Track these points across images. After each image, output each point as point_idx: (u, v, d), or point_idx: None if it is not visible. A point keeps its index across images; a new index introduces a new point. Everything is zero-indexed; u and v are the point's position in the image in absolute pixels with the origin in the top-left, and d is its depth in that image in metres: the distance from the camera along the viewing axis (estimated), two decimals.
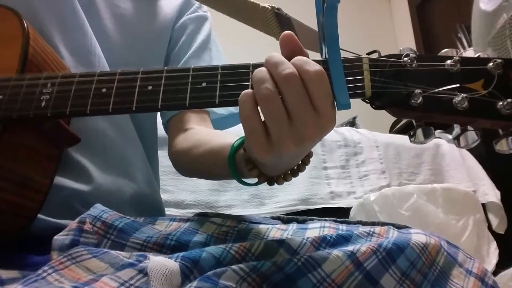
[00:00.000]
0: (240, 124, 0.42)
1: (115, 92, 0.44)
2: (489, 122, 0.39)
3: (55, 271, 0.38)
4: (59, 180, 0.53)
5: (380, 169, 1.47)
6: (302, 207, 1.27)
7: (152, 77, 0.45)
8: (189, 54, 0.74)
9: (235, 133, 0.59)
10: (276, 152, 0.40)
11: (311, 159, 0.49)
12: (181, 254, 0.41)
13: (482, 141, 0.40)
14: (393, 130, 2.33)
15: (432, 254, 0.44)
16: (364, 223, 0.54)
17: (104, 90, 0.45)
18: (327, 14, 0.40)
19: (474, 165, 1.63)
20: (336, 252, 0.41)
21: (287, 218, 0.57)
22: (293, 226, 0.50)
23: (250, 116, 0.40)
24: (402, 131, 2.14)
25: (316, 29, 0.45)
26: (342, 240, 0.45)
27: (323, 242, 0.44)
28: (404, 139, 1.60)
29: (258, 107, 0.40)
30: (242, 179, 0.53)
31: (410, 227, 0.50)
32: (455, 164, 1.59)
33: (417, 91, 0.39)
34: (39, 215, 0.51)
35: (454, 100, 0.39)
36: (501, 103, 0.38)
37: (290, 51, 0.42)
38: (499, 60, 0.39)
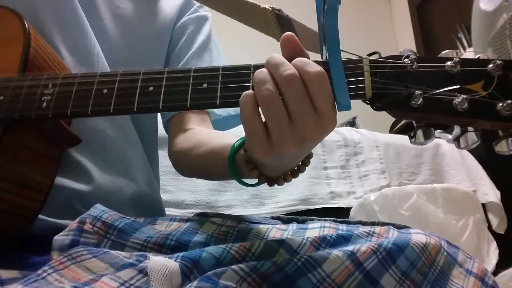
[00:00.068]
0: (240, 125, 0.42)
1: (116, 93, 0.44)
2: (489, 123, 0.39)
3: (55, 271, 0.38)
4: (60, 180, 0.54)
5: (380, 169, 1.47)
6: (302, 207, 1.27)
7: (153, 78, 0.45)
8: (189, 54, 0.74)
9: (235, 134, 0.60)
10: (276, 152, 0.40)
11: (311, 159, 0.50)
12: (181, 254, 0.41)
13: (482, 141, 0.40)
14: (393, 130, 2.32)
15: (432, 254, 0.44)
16: (364, 223, 0.54)
17: (105, 91, 0.45)
18: (328, 15, 0.40)
19: (474, 165, 1.63)
20: (336, 252, 0.41)
21: (287, 218, 0.57)
22: (293, 226, 0.51)
23: (251, 117, 0.40)
24: (402, 131, 2.13)
25: (317, 30, 0.45)
26: (342, 240, 0.45)
27: (323, 242, 0.44)
28: (404, 139, 1.60)
29: (259, 108, 0.40)
30: (242, 179, 0.53)
31: (410, 227, 0.50)
32: (455, 164, 1.59)
33: (418, 92, 0.39)
34: (39, 215, 0.51)
35: (454, 101, 0.39)
36: (501, 104, 0.38)
37: (291, 52, 0.42)
38: (499, 62, 0.39)
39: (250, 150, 0.45)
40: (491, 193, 1.54)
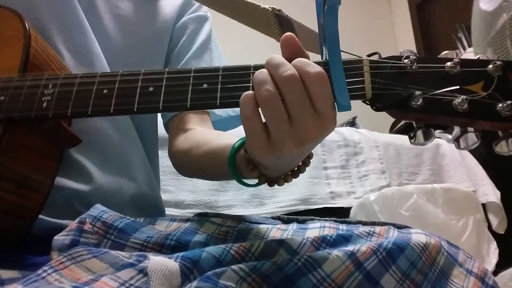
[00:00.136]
0: (241, 125, 0.42)
1: (117, 93, 0.44)
2: (489, 124, 0.39)
3: (55, 271, 0.38)
4: (60, 180, 0.54)
5: (380, 169, 1.47)
6: (302, 207, 1.27)
7: (153, 78, 0.45)
8: (189, 54, 0.74)
9: (235, 134, 0.60)
10: (276, 153, 0.40)
11: (311, 160, 0.50)
12: (181, 254, 0.41)
13: (482, 141, 0.40)
14: (393, 130, 2.33)
15: (432, 254, 0.44)
16: (364, 223, 0.54)
17: (105, 91, 0.45)
18: (328, 16, 0.40)
19: (474, 165, 1.63)
20: (336, 252, 0.41)
21: (287, 218, 0.57)
22: (293, 226, 0.51)
23: (251, 117, 0.40)
24: (402, 131, 2.14)
25: (317, 31, 0.45)
26: (342, 240, 0.45)
27: (323, 242, 0.44)
28: (404, 139, 1.60)
29: (259, 108, 0.40)
30: (243, 180, 0.53)
31: (410, 227, 0.50)
32: (455, 164, 1.59)
33: (417, 92, 0.39)
34: (40, 215, 0.51)
35: (454, 101, 0.39)
36: (501, 105, 0.38)
37: (291, 53, 0.42)
38: (499, 62, 0.39)
39: (250, 150, 0.45)
40: (491, 193, 1.54)
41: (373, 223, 0.54)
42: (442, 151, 1.61)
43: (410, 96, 0.40)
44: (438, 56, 0.42)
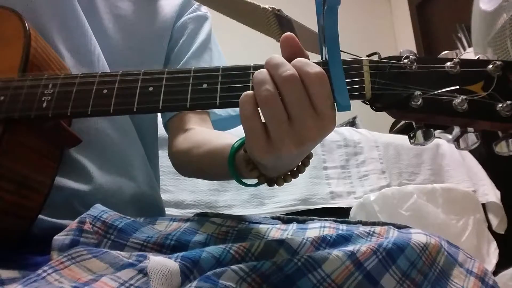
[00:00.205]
0: (240, 125, 0.42)
1: (116, 93, 0.44)
2: (489, 124, 0.39)
3: (55, 271, 0.38)
4: (59, 180, 0.54)
5: (380, 169, 1.47)
6: (302, 207, 1.27)
7: (153, 78, 0.45)
8: (189, 54, 0.74)
9: (235, 134, 0.60)
10: (276, 153, 0.40)
11: (311, 159, 0.50)
12: (181, 254, 0.41)
13: (482, 141, 0.40)
14: (393, 130, 2.33)
15: (432, 254, 0.44)
16: (364, 223, 0.54)
17: (105, 91, 0.45)
18: (328, 16, 0.40)
19: (474, 165, 1.63)
20: (336, 252, 0.41)
21: (287, 218, 0.57)
22: (293, 226, 0.51)
23: (251, 117, 0.40)
24: (402, 131, 2.14)
25: (317, 31, 0.45)
26: (342, 240, 0.45)
27: (323, 242, 0.44)
28: (404, 139, 1.60)
29: (259, 109, 0.40)
30: (242, 179, 0.53)
31: (410, 227, 0.50)
32: (455, 164, 1.59)
33: (417, 92, 0.39)
34: (39, 215, 0.51)
35: (454, 102, 0.39)
36: (500, 105, 0.38)
37: (290, 53, 0.42)
38: (498, 62, 0.39)
39: (250, 150, 0.45)
40: (491, 193, 1.54)
41: (373, 223, 0.54)
42: (442, 151, 1.61)
43: (410, 96, 0.40)
44: (438, 56, 0.42)
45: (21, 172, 0.47)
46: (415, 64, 0.41)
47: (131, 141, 0.66)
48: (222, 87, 0.43)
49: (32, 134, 0.48)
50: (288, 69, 0.39)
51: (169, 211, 1.05)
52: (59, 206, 0.53)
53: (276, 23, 0.58)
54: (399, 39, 3.41)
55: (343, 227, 0.50)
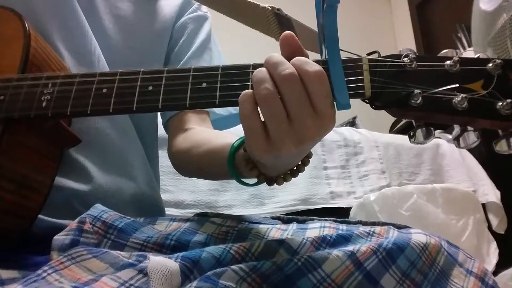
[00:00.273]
0: (240, 124, 0.42)
1: (116, 93, 0.44)
2: (489, 122, 0.39)
3: (55, 271, 0.38)
4: (59, 180, 0.54)
5: (380, 169, 1.47)
6: (302, 207, 1.27)
7: (152, 78, 0.45)
8: (189, 54, 0.74)
9: (234, 134, 0.60)
10: (275, 152, 0.40)
11: (311, 159, 0.49)
12: (181, 254, 0.41)
13: (482, 141, 0.40)
14: (393, 130, 2.33)
15: (432, 254, 0.44)
16: (364, 223, 0.54)
17: (104, 90, 0.45)
18: (327, 14, 0.40)
19: (474, 165, 1.63)
20: (336, 252, 0.41)
21: (287, 218, 0.57)
22: (293, 226, 0.51)
23: (250, 116, 0.40)
24: (402, 131, 2.14)
25: (316, 30, 0.45)
26: (342, 240, 0.45)
27: (323, 242, 0.44)
28: (404, 139, 1.60)
29: (258, 107, 0.40)
30: (242, 179, 0.53)
31: (410, 227, 0.50)
32: (455, 164, 1.59)
33: (417, 91, 0.39)
34: (39, 215, 0.51)
35: (453, 100, 0.39)
36: (500, 103, 0.38)
37: (290, 52, 0.42)
38: (498, 61, 0.39)
39: (249, 149, 0.45)
40: (491, 193, 1.54)
41: (373, 223, 0.54)
42: (442, 151, 1.61)
43: (409, 95, 0.40)
44: (438, 55, 0.42)
45: (21, 171, 0.47)
46: (414, 62, 0.41)
47: (131, 141, 0.66)
48: (222, 86, 0.43)
49: (32, 133, 0.48)
50: (288, 67, 0.39)
51: (169, 211, 1.05)
52: (59, 206, 0.53)
53: (276, 22, 0.58)
54: (399, 39, 3.41)
55: (343, 227, 0.50)
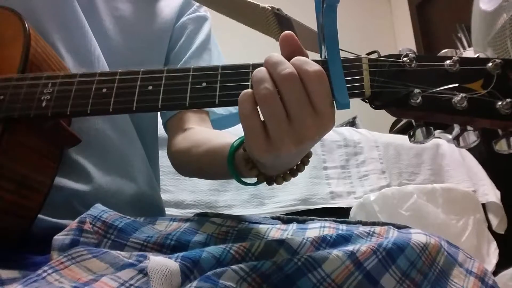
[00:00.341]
0: (239, 124, 0.42)
1: (116, 92, 0.44)
2: (489, 122, 0.39)
3: (55, 271, 0.38)
4: (59, 180, 0.54)
5: (380, 169, 1.47)
6: (302, 207, 1.27)
7: (152, 77, 0.45)
8: (188, 54, 0.74)
9: (234, 134, 0.60)
10: (275, 151, 0.40)
11: (311, 159, 0.50)
12: (181, 254, 0.41)
13: (482, 140, 0.40)
14: (393, 130, 2.33)
15: (432, 254, 0.44)
16: (364, 223, 0.54)
17: (104, 90, 0.45)
18: (327, 14, 0.40)
19: (474, 165, 1.63)
20: (336, 252, 0.41)
21: (287, 218, 0.57)
22: (293, 226, 0.51)
23: (250, 116, 0.40)
24: (402, 131, 2.14)
25: (316, 30, 0.45)
26: (342, 240, 0.45)
27: (323, 242, 0.44)
28: (404, 139, 1.60)
29: (258, 107, 0.40)
30: (242, 178, 0.53)
31: (410, 227, 0.50)
32: (455, 164, 1.59)
33: (417, 90, 0.39)
34: (39, 215, 0.51)
35: (453, 99, 0.39)
36: (500, 103, 0.38)
37: (290, 51, 0.42)
38: (498, 61, 0.39)
39: (249, 149, 0.45)
40: (491, 193, 1.53)
41: (373, 223, 0.54)
42: (442, 151, 1.61)
43: (409, 94, 0.40)
44: (437, 55, 0.42)
45: (21, 171, 0.47)
46: (414, 62, 0.41)
47: (131, 142, 0.66)
48: (222, 86, 0.43)
49: (32, 133, 0.48)
50: (287, 67, 0.39)
51: (169, 211, 1.05)
52: (59, 206, 0.53)
53: (276, 22, 0.58)
54: (399, 39, 3.41)
55: (343, 227, 0.50)
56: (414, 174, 1.53)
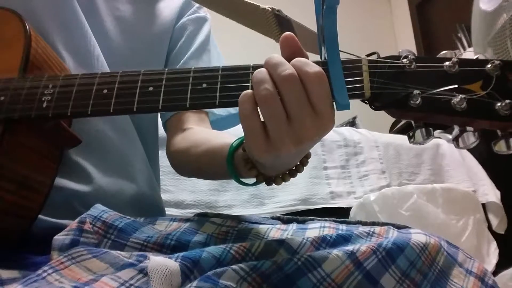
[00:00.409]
0: (239, 124, 0.42)
1: (116, 93, 0.45)
2: (488, 122, 0.39)
3: (55, 271, 0.38)
4: (59, 180, 0.54)
5: (380, 169, 1.47)
6: (302, 207, 1.27)
7: (153, 78, 0.45)
8: (188, 55, 0.74)
9: (234, 134, 0.60)
10: (275, 152, 0.40)
11: (310, 159, 0.50)
12: (181, 254, 0.41)
13: (482, 141, 0.40)
14: (393, 130, 2.33)
15: (432, 254, 0.44)
16: (364, 223, 0.54)
17: (105, 91, 0.45)
18: (327, 16, 0.40)
19: (474, 165, 1.63)
20: (336, 252, 0.41)
21: (287, 218, 0.57)
22: (293, 226, 0.51)
23: (250, 116, 0.40)
24: (402, 131, 2.14)
25: (316, 31, 0.45)
26: (342, 240, 0.45)
27: (323, 242, 0.44)
28: (404, 139, 1.60)
29: (258, 108, 0.40)
30: (241, 179, 0.53)
31: (410, 227, 0.50)
32: (455, 164, 1.59)
33: (416, 92, 0.40)
34: (39, 215, 0.51)
35: (452, 101, 0.39)
36: (499, 104, 0.38)
37: (290, 52, 0.42)
38: (497, 62, 0.40)
39: (249, 149, 0.45)
40: (491, 193, 1.53)
41: (373, 223, 0.54)
42: (442, 151, 1.61)
43: (408, 95, 0.40)
44: (437, 56, 0.42)
45: (21, 172, 0.48)
46: (414, 63, 0.41)
47: (131, 142, 0.66)
48: (222, 87, 0.43)
49: (32, 134, 0.48)
50: (287, 68, 0.39)
51: (169, 211, 1.05)
52: (59, 206, 0.53)
53: (276, 24, 0.58)
54: (399, 39, 3.41)
55: (343, 227, 0.50)
56: (414, 174, 1.53)
